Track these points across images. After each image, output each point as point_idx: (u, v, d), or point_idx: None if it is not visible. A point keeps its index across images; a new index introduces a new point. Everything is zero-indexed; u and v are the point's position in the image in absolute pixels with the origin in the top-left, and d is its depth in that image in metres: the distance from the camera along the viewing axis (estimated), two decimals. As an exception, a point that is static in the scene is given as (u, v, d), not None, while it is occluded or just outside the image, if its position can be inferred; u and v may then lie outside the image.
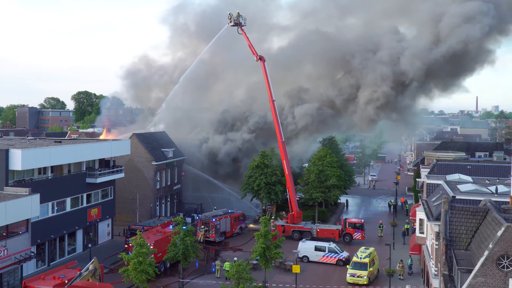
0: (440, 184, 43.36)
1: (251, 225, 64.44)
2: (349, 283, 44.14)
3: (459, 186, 40.80)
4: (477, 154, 79.77)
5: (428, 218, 35.35)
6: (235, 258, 42.62)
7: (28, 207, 39.00)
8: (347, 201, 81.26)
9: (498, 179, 47.35)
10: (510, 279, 23.51)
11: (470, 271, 24.39)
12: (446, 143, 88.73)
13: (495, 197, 35.82)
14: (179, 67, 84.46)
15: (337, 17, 79.30)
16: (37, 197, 39.80)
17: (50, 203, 46.78)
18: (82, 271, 34.31)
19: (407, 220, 62.97)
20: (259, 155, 63.70)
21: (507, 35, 69.94)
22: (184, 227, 41.92)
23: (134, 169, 64.00)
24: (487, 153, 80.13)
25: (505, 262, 23.55)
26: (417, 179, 67.50)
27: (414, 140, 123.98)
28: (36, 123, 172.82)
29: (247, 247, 53.79)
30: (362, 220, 59.14)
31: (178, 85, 79.58)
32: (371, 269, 44.54)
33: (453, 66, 67.28)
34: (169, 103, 79.79)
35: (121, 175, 57.17)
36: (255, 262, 45.19)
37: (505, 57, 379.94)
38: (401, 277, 45.34)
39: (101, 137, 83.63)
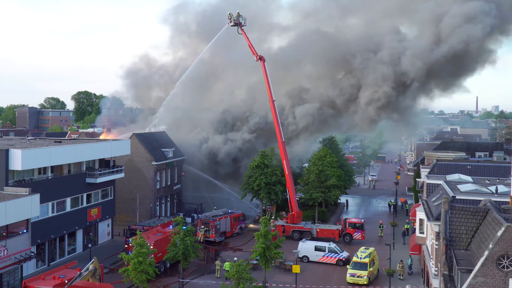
0: (440, 184, 43.35)
1: (251, 225, 64.44)
2: (349, 283, 44.14)
3: (459, 186, 40.79)
4: (477, 154, 79.76)
5: (428, 218, 35.34)
6: (235, 258, 42.61)
7: (28, 207, 38.99)
8: (347, 201, 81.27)
9: (498, 179, 47.35)
10: (510, 279, 23.50)
11: (470, 271, 24.38)
12: (446, 143, 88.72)
13: (495, 197, 35.81)
14: (180, 66, 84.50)
15: (338, 17, 79.28)
16: (37, 197, 39.79)
17: (50, 203, 46.78)
18: (82, 271, 34.31)
19: (407, 220, 62.97)
20: (259, 155, 63.71)
21: (509, 35, 69.97)
22: (184, 227, 41.93)
23: (134, 169, 64.00)
24: (487, 153, 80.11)
25: (505, 262, 23.55)
26: (417, 179, 67.49)
27: (414, 140, 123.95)
28: (36, 123, 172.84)
29: (247, 247, 53.79)
30: (362, 220, 59.14)
31: (176, 87, 79.54)
32: (371, 269, 44.54)
33: (454, 66, 67.18)
34: (169, 104, 79.73)
35: (121, 175, 57.17)
36: (255, 262, 45.20)
37: (506, 57, 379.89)
38: (401, 277, 45.33)
39: (101, 137, 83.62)
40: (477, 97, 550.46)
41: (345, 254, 50.27)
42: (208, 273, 46.88)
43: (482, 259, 23.89)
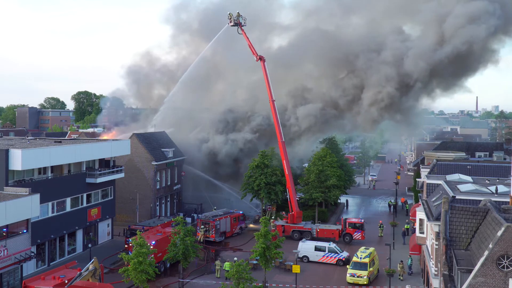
0: (440, 184, 43.35)
1: (251, 225, 64.43)
2: (349, 283, 44.13)
3: (459, 186, 40.79)
4: (477, 154, 79.75)
5: (428, 218, 35.34)
6: (235, 258, 42.61)
7: (28, 207, 38.99)
8: (347, 201, 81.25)
9: (498, 179, 47.35)
10: (510, 279, 23.50)
11: (470, 271, 24.38)
12: (446, 143, 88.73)
13: (495, 197, 35.82)
14: (182, 65, 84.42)
15: (340, 16, 79.04)
16: (37, 197, 39.79)
17: (50, 203, 46.77)
18: (82, 271, 34.31)
19: (407, 220, 62.96)
20: (259, 155, 63.71)
21: (512, 35, 69.77)
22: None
23: (134, 169, 63.99)
24: (487, 153, 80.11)
25: (505, 262, 23.54)
26: (417, 179, 67.47)
27: (414, 140, 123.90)
28: (36, 123, 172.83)
29: (247, 247, 53.78)
30: (362, 220, 59.13)
31: (176, 87, 79.47)
32: (371, 269, 44.53)
33: (456, 66, 67.00)
34: (169, 104, 79.65)
35: (121, 175, 57.17)
36: (255, 262, 45.19)
37: (508, 57, 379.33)
38: (401, 278, 45.32)
39: (104, 136, 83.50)
40: (477, 97, 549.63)
41: (345, 254, 50.26)
42: (208, 273, 46.88)
43: (482, 259, 23.88)
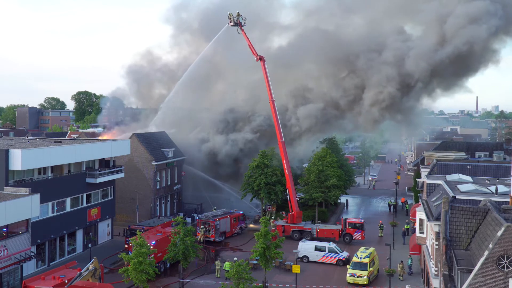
0: (440, 184, 43.35)
1: (251, 225, 64.43)
2: (349, 283, 44.12)
3: (459, 186, 40.79)
4: (477, 154, 79.74)
5: (428, 218, 35.34)
6: (235, 258, 42.60)
7: (28, 207, 39.00)
8: (347, 201, 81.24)
9: (498, 179, 47.35)
10: (510, 279, 23.50)
11: (470, 271, 24.38)
12: (446, 143, 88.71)
13: (495, 197, 35.82)
14: (182, 64, 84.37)
15: (341, 17, 79.00)
16: (37, 197, 39.79)
17: (50, 203, 46.78)
18: (82, 271, 34.31)
19: (407, 220, 62.95)
20: (259, 155, 63.72)
21: (513, 35, 69.68)
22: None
23: (134, 169, 63.99)
24: (487, 153, 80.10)
25: (505, 262, 23.54)
26: (417, 179, 67.47)
27: (414, 140, 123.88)
28: (36, 123, 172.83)
29: (247, 247, 53.77)
30: (362, 220, 59.12)
31: (176, 87, 79.43)
32: (371, 269, 44.53)
33: (457, 67, 66.96)
34: (169, 104, 79.62)
35: (121, 175, 57.17)
36: (255, 262, 45.19)
37: (508, 57, 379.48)
38: (401, 278, 45.31)
39: (104, 136, 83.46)
40: (477, 97, 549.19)
41: (345, 254, 50.26)
42: (208, 273, 46.88)
43: (482, 259, 23.88)
